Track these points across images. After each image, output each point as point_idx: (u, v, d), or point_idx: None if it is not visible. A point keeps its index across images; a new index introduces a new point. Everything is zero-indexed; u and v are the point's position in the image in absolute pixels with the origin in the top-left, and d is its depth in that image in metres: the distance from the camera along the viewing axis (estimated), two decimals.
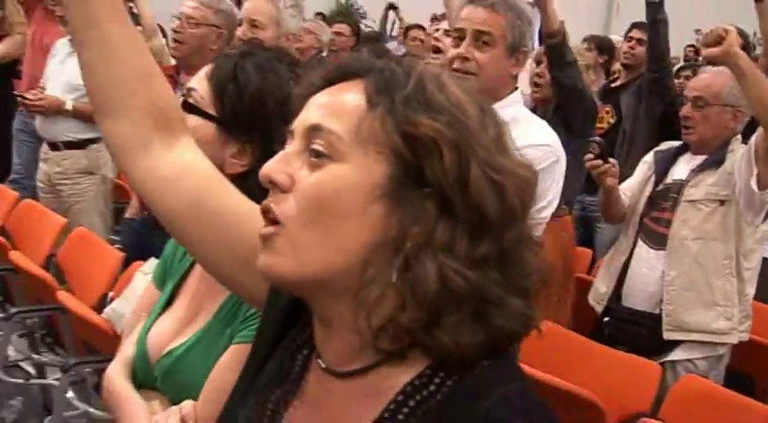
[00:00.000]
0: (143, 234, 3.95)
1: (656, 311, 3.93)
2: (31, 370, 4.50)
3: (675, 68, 7.39)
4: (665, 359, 3.90)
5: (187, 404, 1.70)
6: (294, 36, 4.20)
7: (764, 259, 4.75)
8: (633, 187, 4.18)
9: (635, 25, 6.53)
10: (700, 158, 3.99)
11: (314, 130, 1.13)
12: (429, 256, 1.09)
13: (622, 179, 4.15)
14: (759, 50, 6.64)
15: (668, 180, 4.04)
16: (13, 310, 4.06)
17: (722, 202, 3.88)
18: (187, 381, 1.75)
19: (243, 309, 1.73)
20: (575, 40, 7.14)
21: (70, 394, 3.61)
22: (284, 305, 1.28)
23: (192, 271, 1.89)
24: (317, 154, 1.12)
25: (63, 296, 3.59)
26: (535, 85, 4.82)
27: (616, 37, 7.96)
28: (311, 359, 1.23)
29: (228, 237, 1.36)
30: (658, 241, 3.97)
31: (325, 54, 6.88)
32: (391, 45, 8.76)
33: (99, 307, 3.74)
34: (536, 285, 1.16)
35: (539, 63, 4.76)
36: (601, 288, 4.12)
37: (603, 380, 3.66)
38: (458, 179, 1.09)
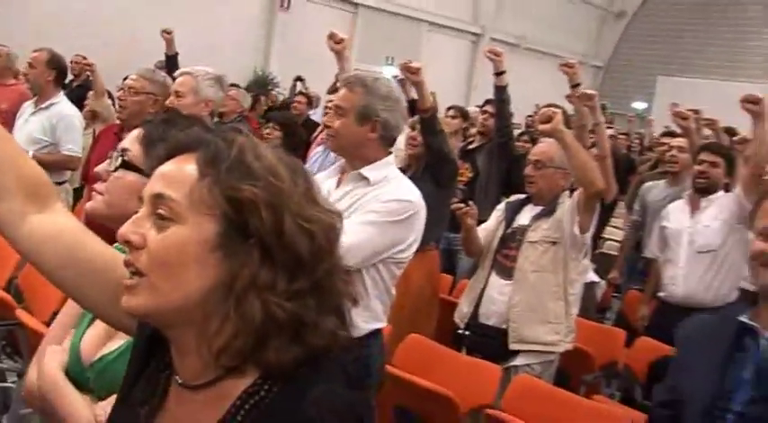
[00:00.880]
0: None
1: (504, 327, 4.09)
2: None
3: (517, 134, 7.53)
4: (509, 364, 4.08)
5: None
6: (212, 102, 4.34)
7: (585, 284, 5.17)
8: (488, 229, 4.33)
9: (488, 101, 6.61)
10: (538, 208, 4.20)
11: (158, 198, 1.18)
12: (255, 294, 1.15)
13: (480, 222, 4.32)
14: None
15: (515, 225, 4.21)
16: None
17: (554, 243, 4.08)
18: (118, 384, 1.58)
19: None
20: (441, 107, 7.42)
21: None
22: (150, 334, 1.30)
23: None
24: (161, 217, 1.17)
25: (21, 314, 3.58)
26: (410, 145, 4.95)
27: (473, 108, 8.12)
28: (171, 377, 1.27)
29: (101, 280, 1.38)
30: (507, 273, 4.13)
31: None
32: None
33: (50, 322, 3.67)
34: (348, 305, 1.24)
35: (413, 128, 4.88)
36: (464, 308, 4.25)
37: (457, 380, 3.78)
38: (274, 230, 1.15)
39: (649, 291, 5.47)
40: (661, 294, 5.08)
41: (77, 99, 6.74)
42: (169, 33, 6.22)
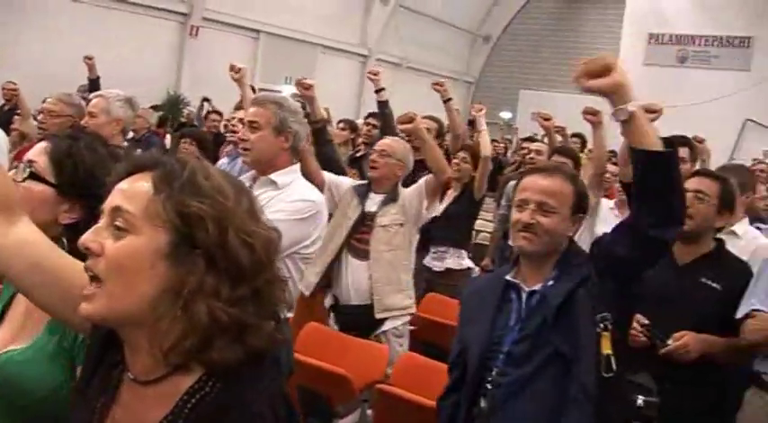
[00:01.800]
0: None
1: (369, 302, 4.19)
2: None
3: None
4: (379, 331, 4.25)
5: None
6: (122, 121, 4.24)
7: (462, 270, 5.30)
8: (341, 192, 4.38)
9: (371, 114, 6.67)
10: (381, 196, 4.30)
11: (116, 211, 1.19)
12: (202, 299, 1.15)
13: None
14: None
15: (366, 210, 4.29)
16: None
17: (401, 225, 4.25)
18: (17, 379, 1.62)
19: None
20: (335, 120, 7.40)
21: None
22: (104, 333, 1.30)
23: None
24: (118, 228, 1.18)
25: None
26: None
27: (361, 121, 7.95)
28: (123, 373, 1.26)
29: (61, 286, 1.38)
30: (363, 255, 4.22)
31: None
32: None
33: None
34: (284, 311, 1.27)
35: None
36: (311, 278, 4.19)
37: (352, 360, 3.84)
38: (219, 242, 1.16)
39: None
40: None
41: (6, 122, 6.46)
42: (90, 59, 6.11)
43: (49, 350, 1.65)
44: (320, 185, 4.22)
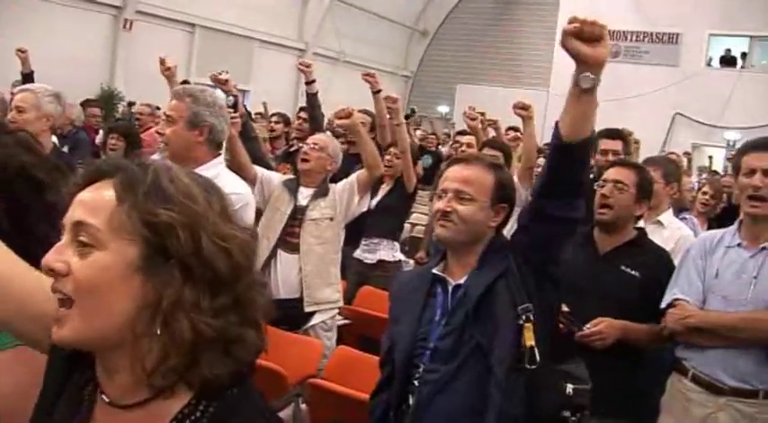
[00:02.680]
0: None
1: (298, 296, 4.18)
2: None
3: None
4: (308, 326, 4.24)
5: None
6: (52, 117, 4.13)
7: (394, 263, 5.33)
8: (273, 189, 4.36)
9: (302, 108, 6.72)
10: (311, 190, 4.30)
11: (78, 225, 1.09)
12: (182, 313, 1.07)
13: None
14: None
15: (297, 204, 4.28)
16: None
17: (331, 219, 4.27)
18: None
19: None
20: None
21: None
22: (68, 355, 1.20)
23: None
24: (83, 244, 1.09)
25: None
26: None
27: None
28: (96, 395, 1.16)
29: (36, 312, 1.25)
30: (293, 248, 4.21)
31: None
32: None
33: None
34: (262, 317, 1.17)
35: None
36: None
37: (286, 355, 3.70)
38: (192, 250, 1.08)
39: None
40: None
41: None
42: (24, 52, 5.93)
43: None
44: (252, 179, 4.21)
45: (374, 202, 5.17)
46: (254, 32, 18.82)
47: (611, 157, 4.26)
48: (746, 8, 19.13)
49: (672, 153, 9.41)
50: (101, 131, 7.38)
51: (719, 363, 2.77)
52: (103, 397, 1.14)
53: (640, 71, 20.10)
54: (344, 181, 4.37)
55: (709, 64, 20.43)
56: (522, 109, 4.56)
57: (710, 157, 13.55)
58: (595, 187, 3.21)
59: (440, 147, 13.10)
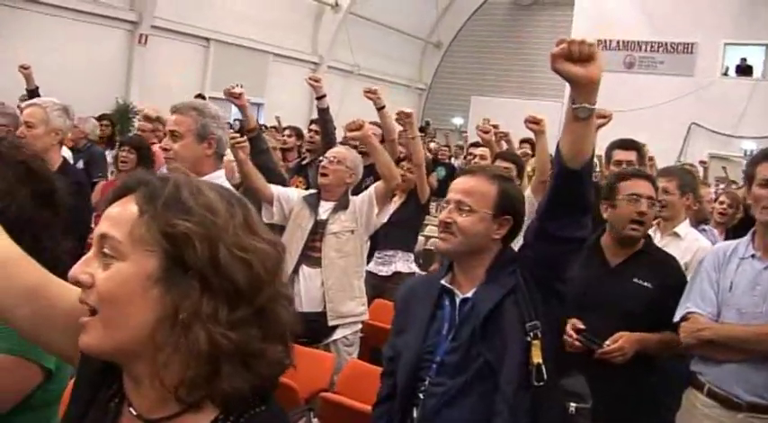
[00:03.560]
0: None
1: (321, 309, 4.15)
2: None
3: None
4: (329, 340, 4.22)
5: None
6: (61, 131, 4.13)
7: (408, 275, 5.30)
8: (292, 206, 4.34)
9: (314, 121, 6.62)
10: (331, 203, 4.27)
11: (102, 238, 1.12)
12: (199, 324, 1.07)
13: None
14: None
15: (318, 219, 4.25)
16: None
17: (352, 232, 4.24)
18: None
19: None
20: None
21: None
22: (98, 368, 1.21)
23: None
24: (105, 255, 1.11)
25: None
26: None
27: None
28: (123, 407, 1.18)
29: (53, 313, 1.27)
30: (315, 262, 4.19)
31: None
32: None
33: None
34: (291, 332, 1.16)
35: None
36: None
37: (297, 369, 3.78)
38: (210, 262, 1.08)
39: None
40: None
41: None
42: (27, 68, 5.92)
43: None
44: (269, 200, 4.20)
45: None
46: (269, 46, 18.91)
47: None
48: (761, 17, 19.02)
49: (687, 164, 9.31)
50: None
51: (734, 377, 2.73)
52: (131, 410, 1.16)
53: (656, 81, 20.02)
54: (363, 193, 4.34)
55: (725, 73, 20.31)
56: (534, 123, 4.53)
57: (724, 168, 13.44)
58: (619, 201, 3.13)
59: (452, 159, 13.13)
